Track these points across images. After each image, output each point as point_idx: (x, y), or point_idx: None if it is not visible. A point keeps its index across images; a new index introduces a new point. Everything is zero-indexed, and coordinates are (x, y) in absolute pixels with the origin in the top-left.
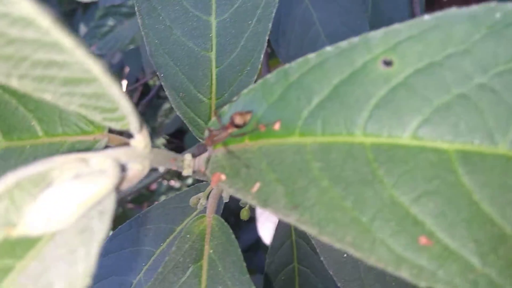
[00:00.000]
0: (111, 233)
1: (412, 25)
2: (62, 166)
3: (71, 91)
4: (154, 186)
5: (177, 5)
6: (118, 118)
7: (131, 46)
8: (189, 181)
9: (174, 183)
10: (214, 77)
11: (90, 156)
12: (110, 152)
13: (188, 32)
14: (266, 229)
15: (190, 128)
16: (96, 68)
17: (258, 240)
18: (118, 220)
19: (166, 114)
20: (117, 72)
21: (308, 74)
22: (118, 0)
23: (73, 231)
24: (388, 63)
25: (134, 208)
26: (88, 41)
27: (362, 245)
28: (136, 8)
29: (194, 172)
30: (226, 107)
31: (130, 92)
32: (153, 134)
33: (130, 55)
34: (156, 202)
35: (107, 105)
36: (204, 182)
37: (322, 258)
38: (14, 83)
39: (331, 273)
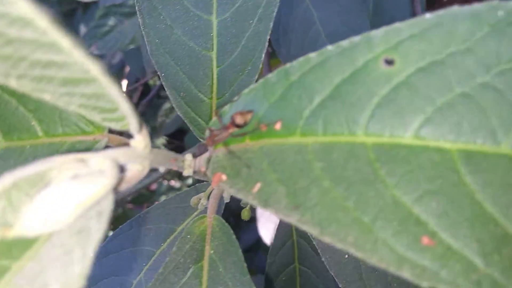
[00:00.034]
0: (111, 233)
1: (413, 23)
2: (60, 166)
3: (70, 91)
4: (154, 186)
5: (177, 4)
6: (118, 119)
7: (132, 46)
8: (190, 181)
9: (175, 183)
10: (215, 76)
11: (89, 156)
12: (109, 152)
13: (189, 31)
14: (266, 229)
15: (191, 128)
16: (95, 69)
17: (259, 240)
18: (118, 220)
19: (166, 113)
20: (117, 72)
21: (309, 73)
22: None
23: (70, 232)
24: (389, 62)
25: (134, 208)
26: (88, 41)
27: (364, 245)
28: (136, 8)
29: (194, 172)
30: (227, 107)
31: (130, 92)
32: (153, 133)
33: (130, 55)
34: (156, 202)
35: (107, 106)
36: (204, 182)
37: (323, 259)
38: (12, 83)
39: (332, 273)
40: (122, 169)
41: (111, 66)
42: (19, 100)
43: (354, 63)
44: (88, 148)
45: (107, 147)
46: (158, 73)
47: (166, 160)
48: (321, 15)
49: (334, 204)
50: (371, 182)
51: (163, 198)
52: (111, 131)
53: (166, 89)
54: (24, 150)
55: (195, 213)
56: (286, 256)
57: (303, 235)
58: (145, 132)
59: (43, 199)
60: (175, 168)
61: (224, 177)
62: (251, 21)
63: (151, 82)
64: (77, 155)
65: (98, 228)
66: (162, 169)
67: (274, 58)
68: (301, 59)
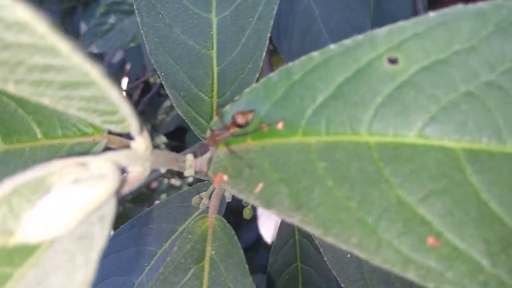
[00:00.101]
0: (112, 232)
1: (417, 22)
2: (61, 171)
3: (69, 95)
4: (154, 185)
5: (176, 2)
6: (118, 121)
7: (132, 44)
8: (190, 179)
9: (175, 181)
10: (215, 75)
11: (90, 160)
12: (110, 155)
13: (188, 30)
14: (267, 228)
15: (191, 127)
16: (94, 72)
17: (259, 238)
18: (119, 219)
19: (166, 111)
20: (118, 70)
21: (312, 72)
22: None
23: (72, 238)
24: (393, 61)
25: (134, 206)
26: (88, 39)
27: (368, 246)
28: (134, 6)
29: (196, 172)
30: (228, 107)
31: (131, 90)
32: (154, 132)
33: (131, 53)
34: (156, 201)
35: (107, 108)
36: (206, 181)
37: (325, 258)
38: (10, 88)
39: (334, 273)
40: (123, 171)
41: (112, 64)
42: (18, 102)
43: (357, 62)
44: (88, 149)
45: (107, 148)
46: (158, 72)
47: (167, 161)
48: (322, 12)
49: (338, 204)
50: (375, 182)
51: (163, 196)
52: (110, 132)
53: (166, 88)
54: (23, 152)
55: (197, 213)
56: (288, 255)
57: (305, 234)
58: (146, 133)
59: (44, 205)
60: (176, 168)
61: (225, 177)
62: (251, 19)
63: (151, 80)
64: (77, 158)
65: (100, 234)
66: (163, 170)
67: (275, 55)
68: (303, 58)
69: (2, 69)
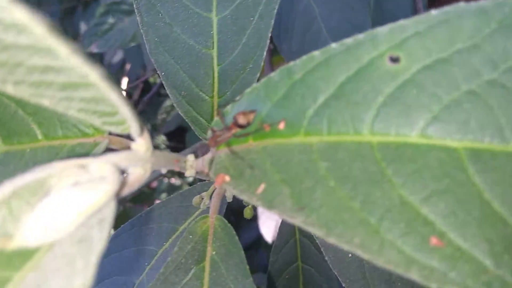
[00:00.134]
0: (112, 232)
1: (418, 20)
2: (60, 173)
3: (69, 96)
4: (154, 184)
5: (176, 2)
6: (118, 122)
7: (132, 44)
8: (190, 178)
9: (175, 181)
10: (216, 75)
11: (90, 161)
12: (110, 157)
13: (189, 29)
14: (267, 227)
15: (192, 127)
16: (93, 74)
17: (259, 238)
18: (119, 219)
19: (167, 111)
20: (118, 70)
21: (313, 71)
22: None
23: (71, 241)
24: (395, 60)
25: (134, 206)
26: (88, 38)
27: (371, 246)
28: (134, 5)
29: (197, 173)
30: (229, 107)
31: (131, 90)
32: (154, 132)
33: (131, 52)
34: (156, 200)
35: (107, 109)
36: (206, 181)
37: (326, 258)
38: (10, 89)
39: (335, 273)
40: (123, 173)
41: (112, 64)
42: (18, 103)
43: (358, 61)
44: (89, 150)
45: (108, 149)
46: (158, 72)
47: (168, 162)
48: (322, 11)
49: (340, 204)
50: (377, 182)
51: (163, 195)
52: (111, 133)
53: (166, 88)
54: (24, 154)
55: (197, 212)
56: (289, 255)
57: (306, 234)
58: (146, 135)
59: (44, 207)
60: (177, 169)
61: (227, 178)
62: (251, 18)
63: (151, 79)
64: (77, 160)
65: (100, 237)
66: (164, 170)
67: (276, 55)
68: (304, 57)
69: (1, 70)
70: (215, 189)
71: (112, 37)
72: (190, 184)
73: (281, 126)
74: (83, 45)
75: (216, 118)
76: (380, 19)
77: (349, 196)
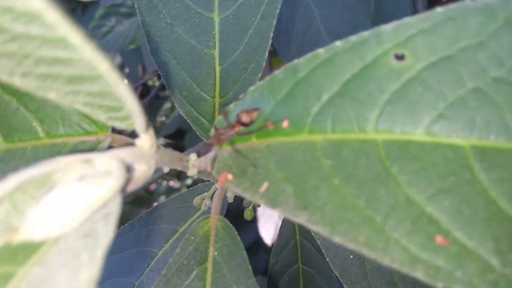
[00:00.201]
0: None
1: (423, 18)
2: (65, 167)
3: (75, 90)
4: (153, 187)
5: (178, 2)
6: (124, 118)
7: (132, 46)
8: (189, 181)
9: (174, 184)
10: (217, 75)
11: (95, 156)
12: (115, 152)
13: (190, 29)
14: (267, 230)
15: (193, 128)
16: (103, 65)
17: (258, 240)
18: (118, 220)
19: (166, 114)
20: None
21: (317, 69)
22: None
23: (77, 235)
24: (400, 58)
25: (133, 208)
26: None
27: (376, 245)
28: (136, 6)
29: (199, 172)
30: (232, 105)
31: None
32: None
33: (129, 56)
34: (155, 203)
35: (113, 104)
36: (206, 182)
37: (327, 259)
38: (16, 81)
39: (336, 274)
40: (128, 169)
41: None
42: (19, 100)
43: (363, 58)
44: (91, 148)
45: (110, 147)
46: (159, 72)
47: (171, 160)
48: (322, 12)
49: (345, 203)
50: (382, 180)
51: (162, 198)
52: (114, 131)
53: (167, 88)
54: (25, 152)
55: (198, 214)
56: (289, 256)
57: (307, 235)
58: (151, 131)
59: (49, 202)
60: (179, 168)
61: (230, 176)
62: (253, 18)
63: (150, 82)
64: (82, 155)
65: (106, 231)
66: (166, 169)
67: (275, 57)
68: (308, 55)
69: (9, 61)
70: (216, 189)
71: (111, 40)
72: (189, 186)
73: (285, 124)
74: None
75: (219, 117)
76: (380, 19)
77: (353, 194)
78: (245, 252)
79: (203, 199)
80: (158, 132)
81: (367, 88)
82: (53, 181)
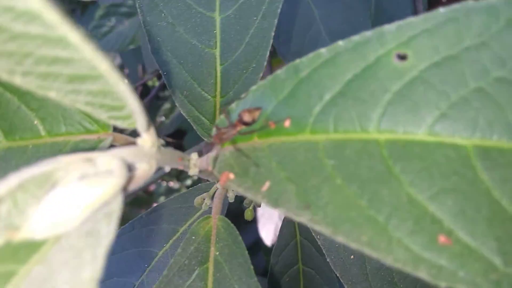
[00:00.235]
0: None
1: (426, 18)
2: (67, 166)
3: (76, 89)
4: (152, 187)
5: (179, 1)
6: (125, 117)
7: (132, 46)
8: (189, 182)
9: (173, 184)
10: (218, 74)
11: (96, 156)
12: (117, 151)
13: (192, 29)
14: (267, 230)
15: (194, 127)
16: (103, 65)
17: (258, 241)
18: (118, 220)
19: (165, 114)
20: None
21: (320, 69)
22: None
23: (79, 234)
24: (402, 57)
25: (132, 208)
26: None
27: (378, 245)
28: (137, 5)
29: (200, 171)
30: (234, 104)
31: None
32: None
33: (129, 56)
34: (154, 203)
35: (114, 103)
36: (207, 182)
37: (328, 260)
38: (17, 80)
39: (337, 274)
40: (130, 168)
41: None
42: (21, 98)
43: (366, 58)
44: (93, 147)
45: (111, 146)
46: (161, 71)
47: (172, 159)
48: (322, 12)
49: (347, 202)
50: (385, 179)
51: (161, 199)
52: (115, 130)
53: (168, 87)
54: (26, 150)
55: (198, 214)
56: (290, 257)
57: (307, 236)
58: (152, 130)
59: (51, 200)
60: (180, 167)
61: (231, 176)
62: (255, 18)
63: (150, 83)
64: (84, 154)
65: (108, 230)
66: (167, 169)
67: (275, 57)
68: (311, 54)
69: (9, 61)
70: (216, 189)
71: (111, 40)
72: (189, 187)
73: (287, 123)
74: None
75: (221, 116)
76: (380, 20)
77: (356, 194)
78: (246, 252)
79: (204, 199)
80: (157, 132)
81: (370, 88)
82: (55, 180)
